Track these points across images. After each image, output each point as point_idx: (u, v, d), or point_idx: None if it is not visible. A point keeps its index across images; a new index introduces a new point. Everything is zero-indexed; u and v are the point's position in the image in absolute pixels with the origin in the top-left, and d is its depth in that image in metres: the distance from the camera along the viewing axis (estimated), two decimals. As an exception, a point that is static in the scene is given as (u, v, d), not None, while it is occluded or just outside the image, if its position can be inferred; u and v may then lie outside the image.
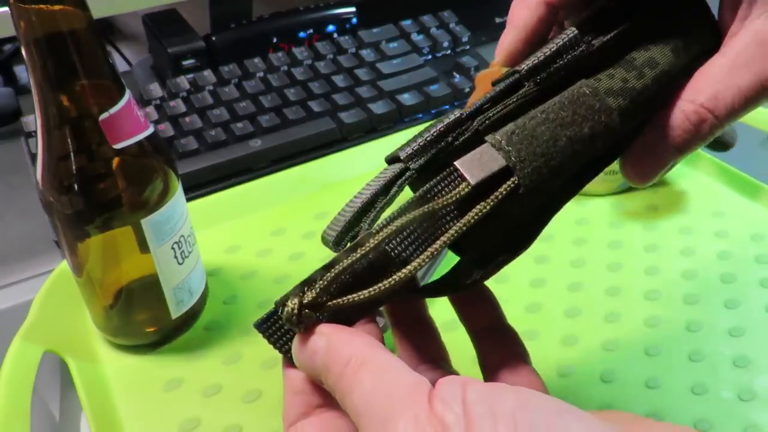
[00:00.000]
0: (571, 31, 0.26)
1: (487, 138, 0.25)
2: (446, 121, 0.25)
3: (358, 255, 0.24)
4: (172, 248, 0.41)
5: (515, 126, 0.25)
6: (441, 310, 0.32)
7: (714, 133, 0.26)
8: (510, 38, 0.28)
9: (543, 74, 0.26)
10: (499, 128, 0.25)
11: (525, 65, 0.26)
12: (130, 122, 0.37)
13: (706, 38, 0.27)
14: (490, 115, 0.25)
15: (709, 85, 0.26)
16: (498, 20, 0.81)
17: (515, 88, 0.26)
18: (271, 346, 0.25)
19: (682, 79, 0.27)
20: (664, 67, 0.26)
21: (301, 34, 0.72)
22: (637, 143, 0.27)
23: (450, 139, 0.25)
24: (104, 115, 0.36)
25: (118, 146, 0.36)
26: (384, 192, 0.25)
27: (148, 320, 0.43)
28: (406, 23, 0.72)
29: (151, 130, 0.39)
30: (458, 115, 0.25)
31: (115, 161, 0.37)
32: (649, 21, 0.27)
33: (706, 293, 0.45)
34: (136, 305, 0.43)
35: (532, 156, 0.24)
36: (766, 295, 0.45)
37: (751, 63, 0.25)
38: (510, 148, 0.24)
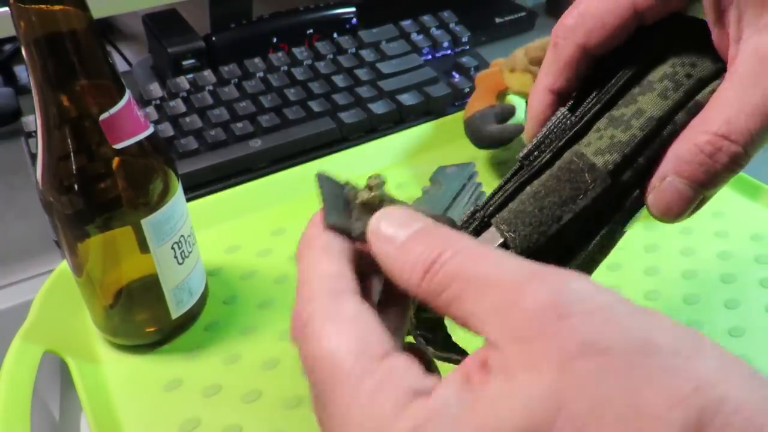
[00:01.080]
0: (560, 112, 0.29)
1: (492, 221, 0.28)
2: (463, 217, 0.29)
3: None
4: (172, 248, 0.41)
5: (511, 204, 0.28)
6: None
7: (739, 162, 0.25)
8: (529, 126, 0.31)
9: (533, 155, 0.28)
10: (503, 210, 0.28)
11: (522, 152, 0.29)
12: (130, 122, 0.37)
13: (706, 68, 0.27)
14: (493, 202, 0.28)
15: (719, 113, 0.25)
16: (498, 20, 0.81)
17: (516, 173, 0.29)
18: (322, 202, 0.25)
19: (685, 116, 0.27)
20: (651, 113, 0.27)
21: (301, 34, 0.72)
22: (655, 182, 0.27)
23: (462, 230, 0.28)
24: (104, 115, 0.36)
25: (118, 146, 0.36)
26: None
27: (148, 320, 0.43)
28: (406, 23, 0.72)
29: (151, 130, 0.39)
30: (472, 209, 0.29)
31: (115, 161, 0.37)
32: (633, 75, 0.28)
33: (706, 293, 0.45)
34: (136, 305, 0.43)
35: (521, 227, 0.27)
36: (766, 295, 0.45)
37: (759, 81, 0.25)
38: (504, 225, 0.27)
